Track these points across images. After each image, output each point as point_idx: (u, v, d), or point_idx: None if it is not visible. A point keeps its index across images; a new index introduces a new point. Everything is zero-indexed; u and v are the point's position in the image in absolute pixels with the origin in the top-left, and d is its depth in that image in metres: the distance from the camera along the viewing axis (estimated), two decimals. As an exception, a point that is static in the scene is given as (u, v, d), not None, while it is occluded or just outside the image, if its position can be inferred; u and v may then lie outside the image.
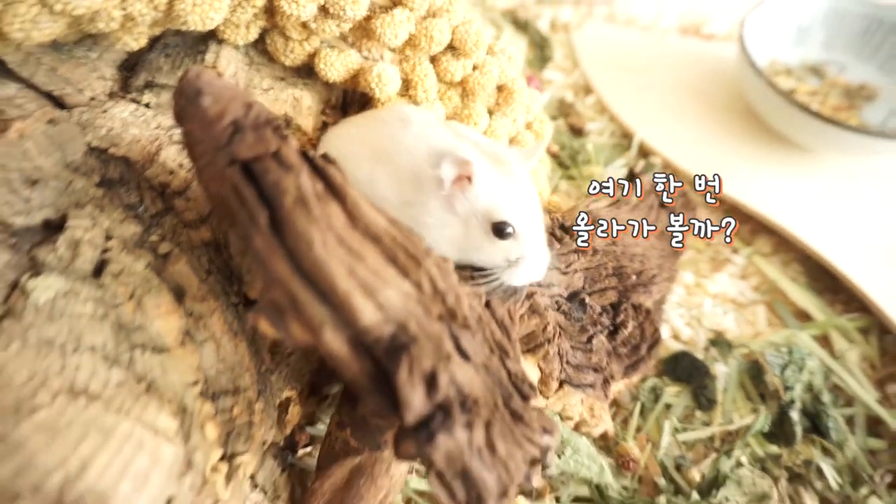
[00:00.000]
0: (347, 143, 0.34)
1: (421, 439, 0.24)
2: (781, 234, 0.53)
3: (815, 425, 0.43)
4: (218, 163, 0.25)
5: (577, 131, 0.58)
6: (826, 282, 0.52)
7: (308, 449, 0.40)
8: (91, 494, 0.22)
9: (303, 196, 0.23)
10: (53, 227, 0.28)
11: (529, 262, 0.31)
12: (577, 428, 0.41)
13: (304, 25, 0.35)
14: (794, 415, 0.42)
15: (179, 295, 0.29)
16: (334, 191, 0.25)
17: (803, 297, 0.51)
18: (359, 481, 0.34)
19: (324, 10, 0.34)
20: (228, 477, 0.29)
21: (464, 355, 0.27)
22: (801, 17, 0.61)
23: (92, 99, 0.33)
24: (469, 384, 0.26)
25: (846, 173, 0.56)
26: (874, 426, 0.44)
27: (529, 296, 0.33)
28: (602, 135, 0.59)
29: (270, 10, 0.35)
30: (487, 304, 0.31)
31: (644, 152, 0.57)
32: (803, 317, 0.50)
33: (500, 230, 0.31)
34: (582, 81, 0.62)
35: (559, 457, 0.40)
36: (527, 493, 0.39)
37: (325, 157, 0.26)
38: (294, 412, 0.35)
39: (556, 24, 0.67)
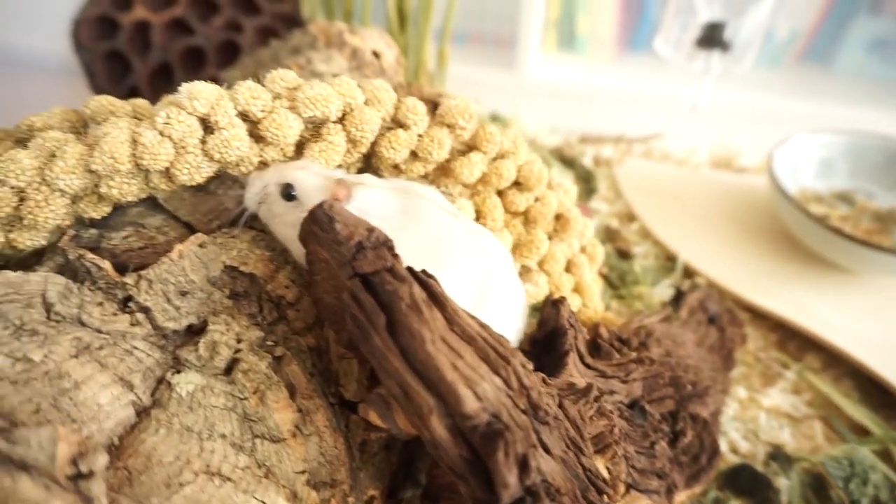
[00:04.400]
0: None
1: (512, 521, 0.26)
2: (830, 349, 0.56)
3: (887, 541, 0.42)
4: (340, 276, 0.30)
5: (623, 254, 0.63)
6: (879, 397, 0.53)
7: (383, 553, 0.41)
8: (226, 564, 0.25)
9: (415, 302, 0.28)
10: (193, 332, 0.33)
11: None
12: (644, 537, 0.41)
13: (395, 166, 0.42)
14: (863, 529, 0.42)
15: (292, 392, 0.33)
16: (435, 300, 0.30)
17: (859, 412, 0.52)
18: (439, 580, 0.35)
19: (413, 154, 0.41)
20: (328, 563, 0.31)
21: (545, 448, 0.30)
22: (825, 151, 0.67)
23: (219, 227, 0.40)
24: (551, 474, 0.29)
25: (890, 290, 0.59)
26: (949, 545, 0.44)
27: (597, 398, 0.36)
28: (647, 257, 0.63)
29: (366, 156, 0.43)
30: (560, 405, 0.34)
31: (688, 273, 0.62)
32: (860, 431, 0.51)
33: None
34: (625, 210, 0.68)
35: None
36: None
37: (424, 272, 0.31)
38: (377, 510, 0.38)
39: (598, 160, 0.75)
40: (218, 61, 0.67)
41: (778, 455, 0.49)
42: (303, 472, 0.31)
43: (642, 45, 1.21)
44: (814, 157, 0.67)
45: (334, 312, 0.34)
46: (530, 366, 0.31)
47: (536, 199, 0.46)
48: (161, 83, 0.67)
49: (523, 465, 0.26)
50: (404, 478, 0.45)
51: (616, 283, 0.60)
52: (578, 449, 0.32)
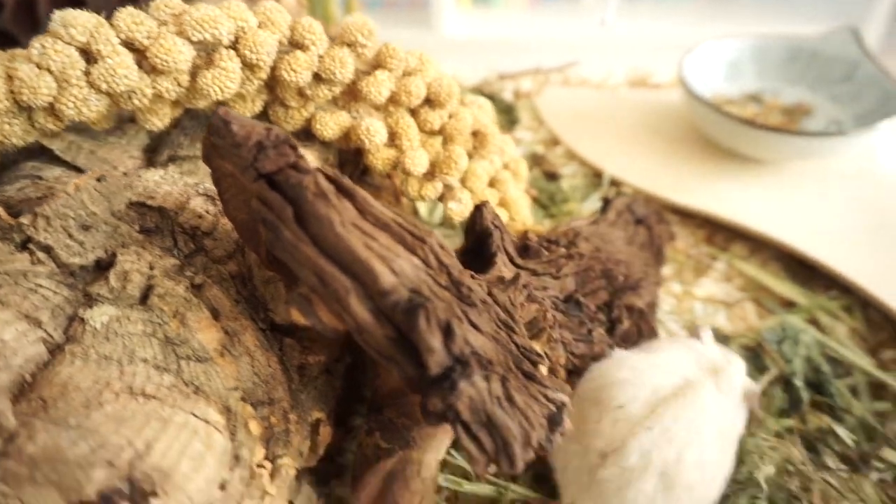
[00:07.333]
0: None
1: (444, 390, 0.26)
2: (755, 236, 0.58)
3: (821, 394, 0.45)
4: (245, 182, 0.29)
5: (551, 176, 0.63)
6: (804, 274, 0.55)
7: (339, 479, 0.41)
8: (156, 471, 0.25)
9: (321, 190, 0.27)
10: (103, 267, 0.32)
11: None
12: (594, 424, 0.42)
13: (301, 93, 0.41)
14: (798, 382, 0.44)
15: (215, 314, 0.32)
16: (345, 192, 0.29)
17: (787, 289, 0.54)
18: (393, 487, 0.35)
19: (317, 77, 0.40)
20: (272, 475, 0.31)
21: (474, 326, 0.30)
22: (732, 55, 0.69)
23: (125, 174, 0.38)
24: (482, 348, 0.29)
25: (801, 175, 0.62)
26: (877, 391, 0.46)
27: (525, 286, 0.37)
28: (575, 177, 0.65)
29: (270, 87, 0.42)
30: (489, 293, 0.34)
31: (615, 185, 0.63)
32: (790, 306, 0.53)
33: None
34: (549, 137, 0.69)
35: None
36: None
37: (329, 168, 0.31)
38: (325, 433, 0.37)
39: (518, 94, 0.75)
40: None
41: (716, 336, 0.51)
42: (235, 389, 0.31)
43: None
44: (722, 62, 0.69)
45: (249, 229, 0.33)
46: (449, 248, 0.31)
47: (450, 116, 0.46)
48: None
49: (447, 331, 0.27)
50: (352, 404, 0.45)
51: (546, 203, 0.60)
52: (510, 328, 0.33)
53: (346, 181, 0.30)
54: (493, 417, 0.27)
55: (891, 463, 0.41)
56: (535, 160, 0.65)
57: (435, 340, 0.26)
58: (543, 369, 0.34)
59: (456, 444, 0.42)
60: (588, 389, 0.37)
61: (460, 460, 0.41)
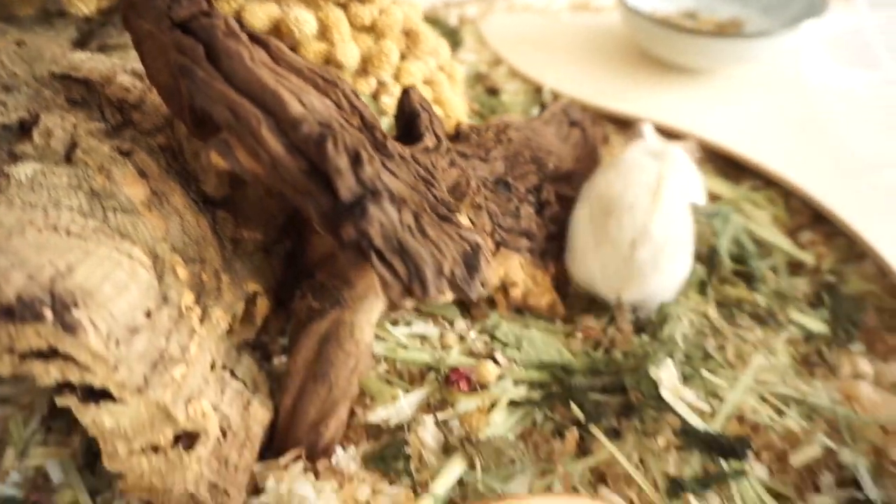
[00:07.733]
0: None
1: (356, 216, 0.28)
2: (688, 139, 0.60)
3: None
4: (162, 35, 0.30)
5: (492, 91, 0.65)
6: (733, 173, 0.58)
7: (283, 358, 0.42)
8: (78, 290, 0.26)
9: (232, 30, 0.29)
10: (27, 128, 0.33)
11: None
12: (524, 300, 0.44)
13: (229, -18, 0.42)
14: (722, 251, 0.47)
15: (143, 175, 0.33)
16: (259, 41, 0.30)
17: (716, 184, 0.57)
18: (327, 348, 0.37)
19: (242, -37, 0.41)
20: (202, 320, 0.32)
21: (390, 172, 0.32)
22: (668, -27, 0.71)
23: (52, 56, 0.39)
24: (396, 188, 0.31)
25: (731, 81, 0.65)
26: (794, 269, 0.49)
27: (448, 150, 0.38)
28: (517, 94, 0.66)
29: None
30: (412, 156, 0.36)
31: (555, 97, 0.65)
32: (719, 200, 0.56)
33: None
34: (492, 57, 0.71)
35: (518, 350, 0.43)
36: (470, 304, 0.44)
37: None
38: (262, 304, 0.39)
39: (463, 20, 0.77)
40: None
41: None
42: (164, 240, 0.32)
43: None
44: (659, -20, 0.71)
45: (171, 92, 0.34)
46: (362, 97, 0.32)
47: (381, 12, 0.47)
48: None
49: (356, 159, 0.28)
50: (295, 289, 0.46)
51: (487, 115, 0.62)
52: (429, 183, 0.34)
53: (261, 34, 0.31)
54: (405, 244, 0.29)
55: (798, 323, 0.44)
56: (478, 78, 0.67)
57: (342, 163, 0.27)
58: (463, 219, 0.36)
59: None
60: (594, 209, 0.44)
61: (398, 335, 0.43)
